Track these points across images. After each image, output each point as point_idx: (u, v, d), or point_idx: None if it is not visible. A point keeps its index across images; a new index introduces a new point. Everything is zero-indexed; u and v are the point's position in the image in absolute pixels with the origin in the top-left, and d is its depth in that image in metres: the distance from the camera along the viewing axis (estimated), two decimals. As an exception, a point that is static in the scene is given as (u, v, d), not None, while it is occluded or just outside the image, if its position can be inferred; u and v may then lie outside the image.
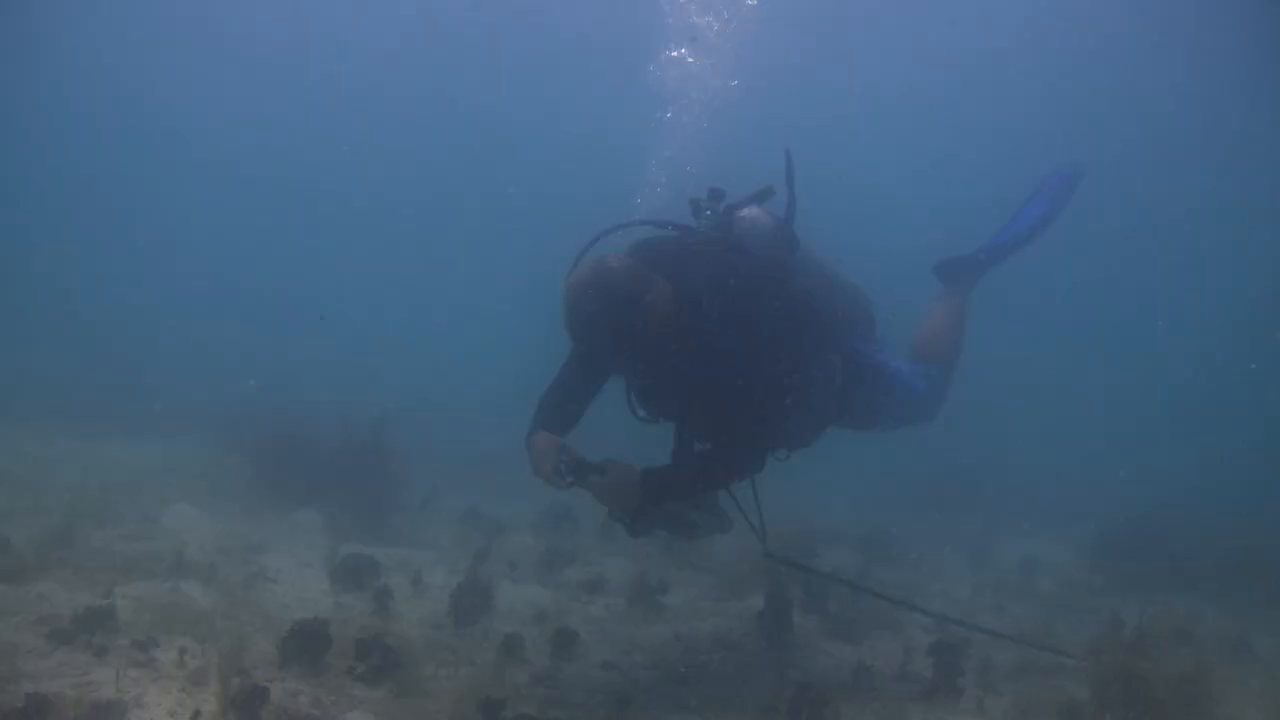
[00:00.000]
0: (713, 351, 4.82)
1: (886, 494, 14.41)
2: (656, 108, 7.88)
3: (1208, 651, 6.26)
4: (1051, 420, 25.04)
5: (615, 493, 4.87)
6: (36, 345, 21.61)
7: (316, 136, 42.03)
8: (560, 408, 5.49)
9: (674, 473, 5.11)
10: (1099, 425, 24.90)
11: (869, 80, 35.01)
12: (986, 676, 5.90)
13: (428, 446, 12.30)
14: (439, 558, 8.61)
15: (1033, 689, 5.71)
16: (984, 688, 5.67)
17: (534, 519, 10.10)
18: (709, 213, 5.34)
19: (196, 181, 42.76)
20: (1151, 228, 34.60)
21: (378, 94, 39.67)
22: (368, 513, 9.97)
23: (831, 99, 34.64)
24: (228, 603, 6.58)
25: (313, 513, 9.52)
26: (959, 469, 15.22)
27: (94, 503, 9.27)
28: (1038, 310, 29.76)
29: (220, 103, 40.85)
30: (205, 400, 16.73)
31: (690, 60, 7.95)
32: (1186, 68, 26.53)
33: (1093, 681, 5.27)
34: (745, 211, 5.31)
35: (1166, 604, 7.57)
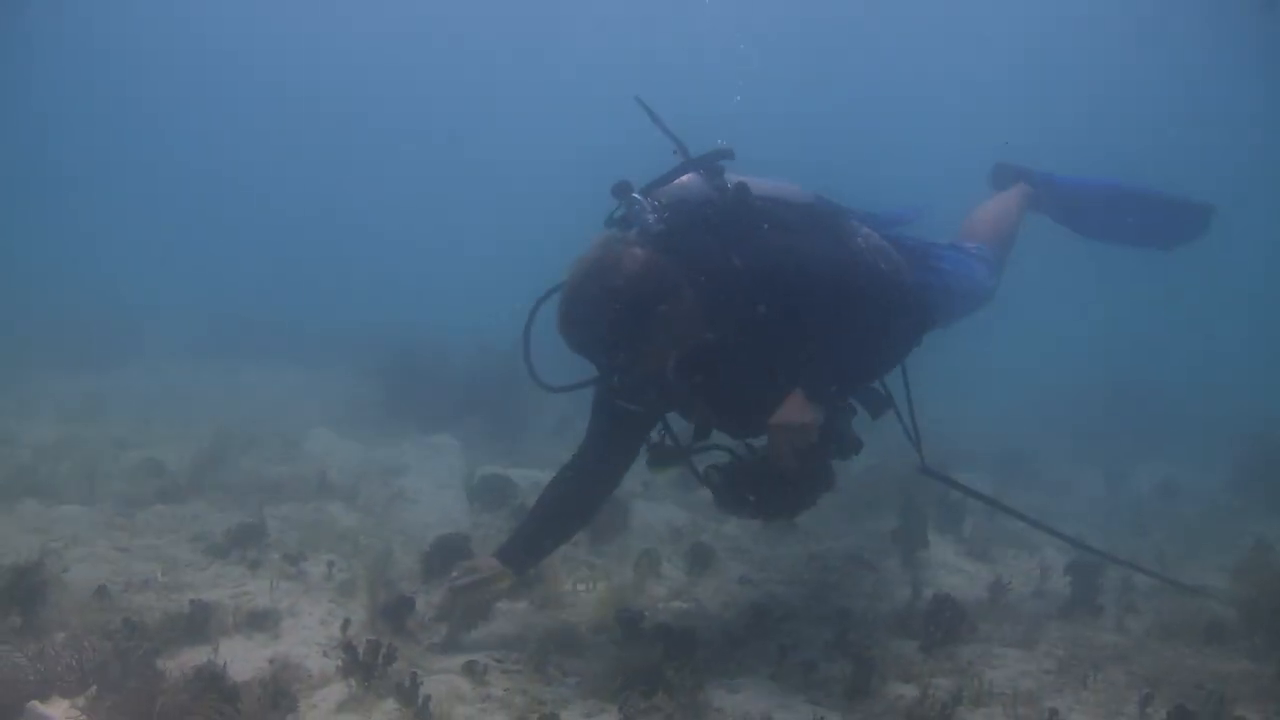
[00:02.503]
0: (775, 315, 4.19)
1: (1024, 416, 14.06)
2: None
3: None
4: (1197, 340, 24.09)
5: (800, 427, 4.02)
6: (173, 281, 22.46)
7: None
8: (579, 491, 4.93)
9: (821, 370, 4.21)
10: (1242, 346, 23.90)
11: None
12: (1126, 595, 5.70)
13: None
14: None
15: (1175, 608, 5.51)
16: (1124, 607, 5.49)
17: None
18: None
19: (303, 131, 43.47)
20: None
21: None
22: (503, 436, 10.12)
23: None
24: (370, 521, 6.75)
25: (448, 437, 9.68)
26: (1099, 391, 14.79)
27: (241, 428, 9.58)
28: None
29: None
30: (338, 330, 17.14)
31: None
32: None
33: (1240, 602, 5.07)
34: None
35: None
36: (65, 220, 35.28)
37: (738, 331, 4.20)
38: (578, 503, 4.93)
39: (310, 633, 4.56)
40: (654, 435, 4.61)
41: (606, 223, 4.38)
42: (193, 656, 4.04)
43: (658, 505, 7.52)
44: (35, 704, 3.26)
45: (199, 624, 4.36)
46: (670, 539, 6.71)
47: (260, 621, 4.55)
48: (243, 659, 4.10)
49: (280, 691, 3.60)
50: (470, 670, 4.04)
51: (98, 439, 9.11)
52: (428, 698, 3.61)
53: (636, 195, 4.29)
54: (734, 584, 5.71)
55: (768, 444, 4.10)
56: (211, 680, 3.54)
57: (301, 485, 7.59)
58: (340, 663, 3.87)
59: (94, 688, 3.44)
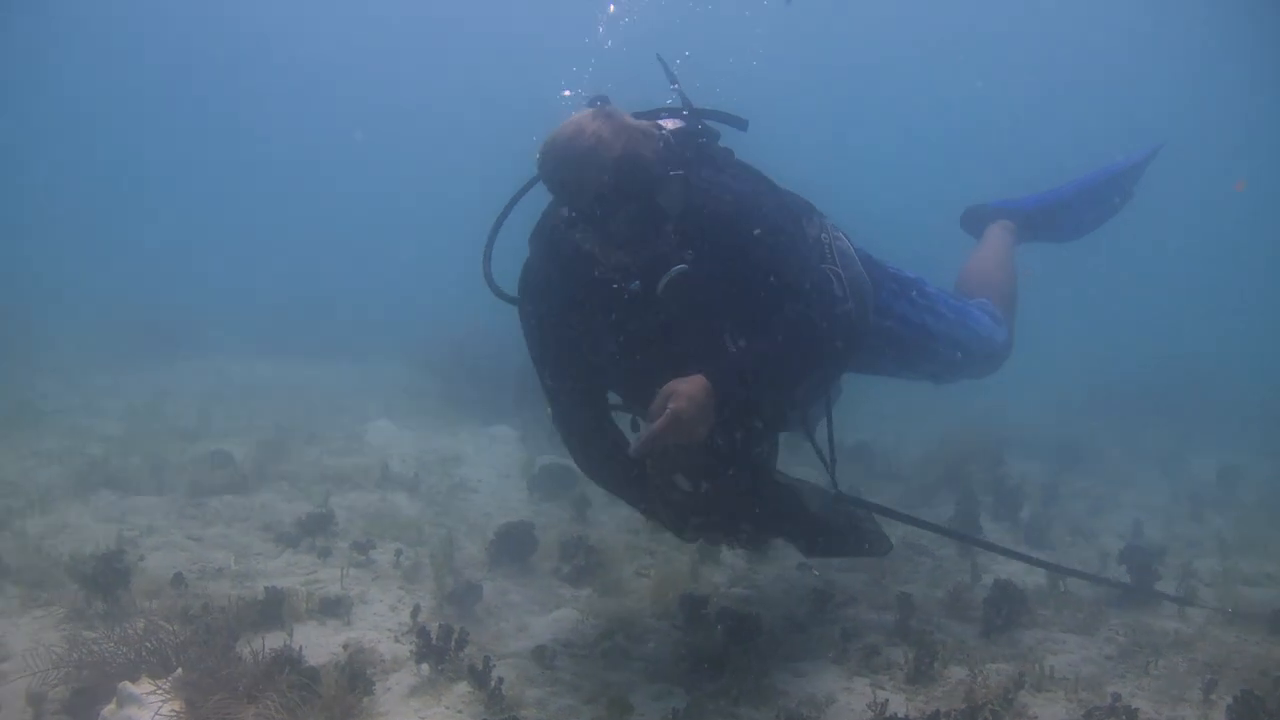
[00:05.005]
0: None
1: (1081, 404, 13.95)
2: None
3: None
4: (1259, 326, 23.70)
5: (689, 412, 3.58)
6: (233, 280, 22.85)
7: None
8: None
9: (739, 365, 3.87)
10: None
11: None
12: (1187, 582, 5.68)
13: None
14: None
15: (1239, 596, 5.48)
16: (1185, 590, 5.48)
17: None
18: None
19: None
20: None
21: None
22: (560, 427, 10.19)
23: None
24: (433, 510, 6.87)
25: (507, 427, 9.80)
26: (1157, 379, 14.62)
27: (304, 421, 9.76)
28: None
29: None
30: (396, 324, 17.34)
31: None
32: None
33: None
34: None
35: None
36: (128, 222, 36.01)
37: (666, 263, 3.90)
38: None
39: (381, 619, 4.67)
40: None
41: None
42: (269, 641, 4.15)
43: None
44: (126, 684, 3.39)
45: (273, 610, 4.49)
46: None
47: (332, 608, 4.67)
48: (317, 644, 4.23)
49: (357, 675, 3.71)
50: (539, 655, 4.13)
51: (165, 432, 9.31)
52: (500, 680, 3.70)
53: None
54: (793, 570, 5.76)
55: (651, 410, 3.64)
56: (289, 663, 3.66)
57: (365, 475, 7.73)
58: (412, 647, 3.97)
59: (178, 669, 3.57)
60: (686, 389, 3.60)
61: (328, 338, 16.51)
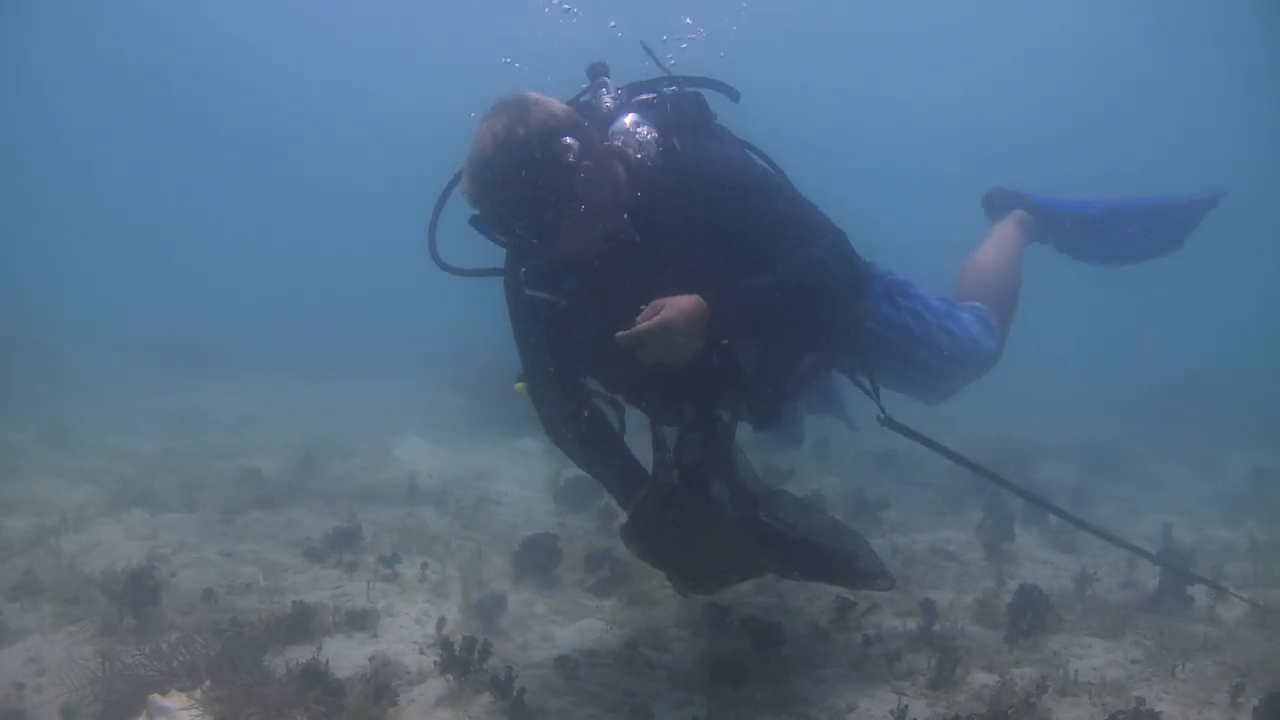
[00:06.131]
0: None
1: (1110, 408, 13.86)
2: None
3: None
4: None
5: (676, 322, 3.42)
6: (264, 303, 23.08)
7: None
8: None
9: (748, 290, 3.67)
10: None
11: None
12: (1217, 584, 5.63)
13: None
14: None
15: (1272, 599, 5.43)
16: (1216, 596, 5.43)
17: (751, 439, 10.16)
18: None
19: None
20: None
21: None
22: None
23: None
24: (460, 524, 6.92)
25: (533, 441, 9.85)
26: (1186, 381, 14.53)
27: (332, 438, 9.86)
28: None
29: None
30: (425, 340, 17.48)
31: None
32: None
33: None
34: None
35: None
36: (160, 244, 36.51)
37: (655, 227, 3.80)
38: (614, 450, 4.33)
39: (407, 631, 4.71)
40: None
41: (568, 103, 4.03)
42: (296, 654, 4.20)
43: (741, 504, 7.58)
44: (156, 696, 3.45)
45: (301, 624, 4.54)
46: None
47: (359, 621, 4.71)
48: (343, 657, 4.27)
49: (381, 687, 3.75)
50: (562, 665, 4.16)
51: (197, 450, 9.44)
52: (522, 690, 3.73)
53: (607, 79, 4.07)
54: (818, 579, 5.76)
55: (638, 319, 3.45)
56: (316, 676, 3.71)
57: (393, 490, 7.80)
58: (437, 659, 4.01)
59: (207, 682, 3.62)
60: (678, 302, 3.46)
61: (357, 355, 16.67)
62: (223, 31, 38.63)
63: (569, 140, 3.60)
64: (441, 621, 4.65)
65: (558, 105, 3.75)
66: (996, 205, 6.07)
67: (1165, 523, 7.24)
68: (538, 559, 5.58)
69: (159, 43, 37.77)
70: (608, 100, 3.99)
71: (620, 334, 3.43)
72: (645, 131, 3.87)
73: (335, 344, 17.80)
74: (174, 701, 3.44)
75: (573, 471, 8.11)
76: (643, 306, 3.50)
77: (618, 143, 3.84)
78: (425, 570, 5.59)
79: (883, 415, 4.22)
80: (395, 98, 41.33)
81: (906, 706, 3.51)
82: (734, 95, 4.23)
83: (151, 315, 18.82)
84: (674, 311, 3.42)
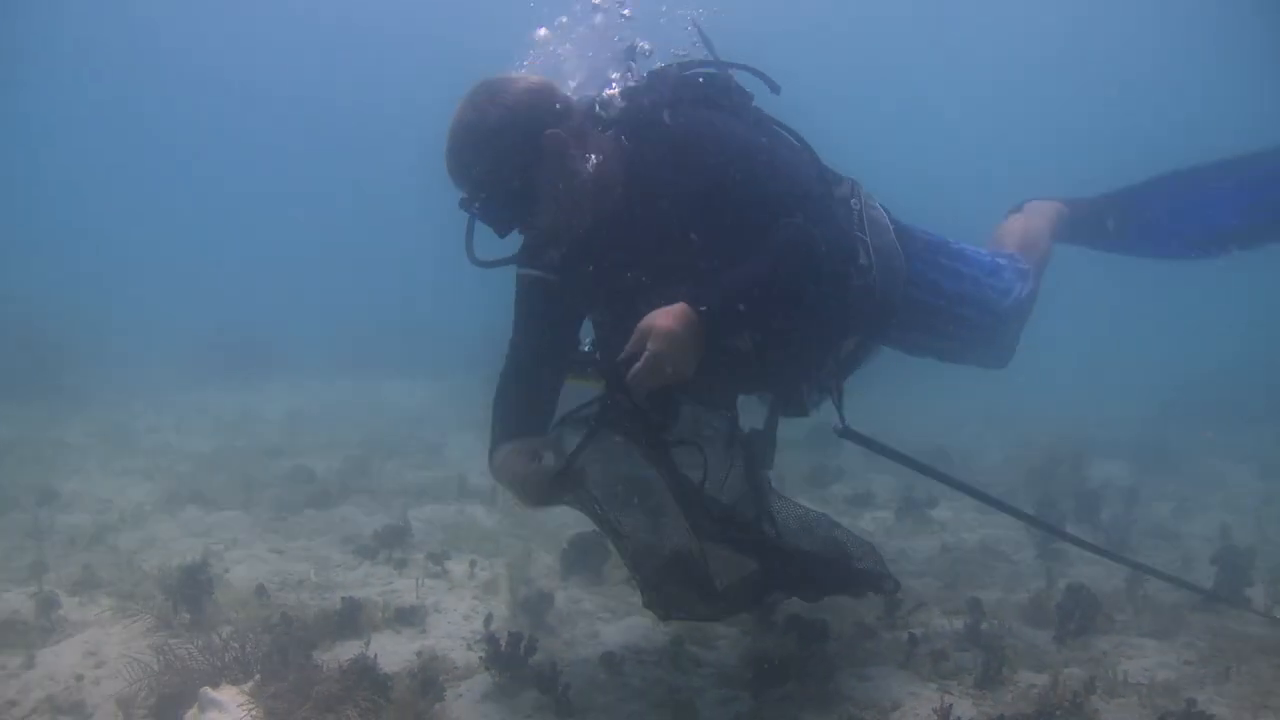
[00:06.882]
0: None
1: (1167, 403, 13.62)
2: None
3: None
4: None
5: (669, 354, 3.21)
6: (313, 303, 23.36)
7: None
8: (524, 400, 4.14)
9: (730, 282, 3.46)
10: None
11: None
12: (1276, 587, 5.52)
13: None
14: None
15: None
16: (1274, 598, 5.32)
17: (799, 438, 10.11)
18: None
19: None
20: None
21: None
22: (636, 436, 10.25)
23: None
24: (510, 522, 6.96)
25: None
26: (1250, 376, 14.24)
27: (383, 436, 9.96)
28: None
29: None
30: (471, 341, 17.58)
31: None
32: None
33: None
34: None
35: None
36: (209, 247, 37.08)
37: (640, 201, 3.68)
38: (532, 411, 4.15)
39: (455, 627, 4.76)
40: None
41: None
42: (346, 650, 4.27)
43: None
44: (207, 689, 3.52)
45: (350, 619, 4.60)
46: (802, 534, 6.75)
47: (408, 617, 4.77)
48: (392, 652, 4.32)
49: (429, 682, 3.79)
50: (608, 661, 4.18)
51: (251, 449, 9.58)
52: (568, 686, 3.76)
53: (633, 61, 3.96)
54: (866, 578, 5.73)
55: (627, 350, 3.28)
56: (364, 671, 3.75)
57: (443, 488, 7.87)
58: (483, 655, 4.04)
59: (258, 676, 3.69)
60: (664, 324, 3.21)
61: (406, 353, 16.82)
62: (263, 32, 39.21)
63: (524, 123, 3.51)
64: (489, 618, 4.69)
65: (522, 85, 3.63)
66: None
67: (1223, 523, 7.11)
68: (586, 556, 5.61)
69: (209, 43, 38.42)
70: (613, 82, 3.89)
71: (630, 396, 3.29)
72: (624, 102, 3.80)
73: (384, 342, 17.99)
74: (225, 695, 3.50)
75: (622, 470, 8.14)
76: (642, 277, 3.50)
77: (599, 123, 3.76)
78: (474, 567, 5.64)
79: (840, 425, 4.02)
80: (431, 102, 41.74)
81: (951, 705, 3.49)
82: (774, 87, 4.10)
83: (203, 318, 19.15)
84: (661, 342, 3.20)
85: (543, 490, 3.71)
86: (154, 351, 16.44)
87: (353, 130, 44.88)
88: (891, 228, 4.34)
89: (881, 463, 4.66)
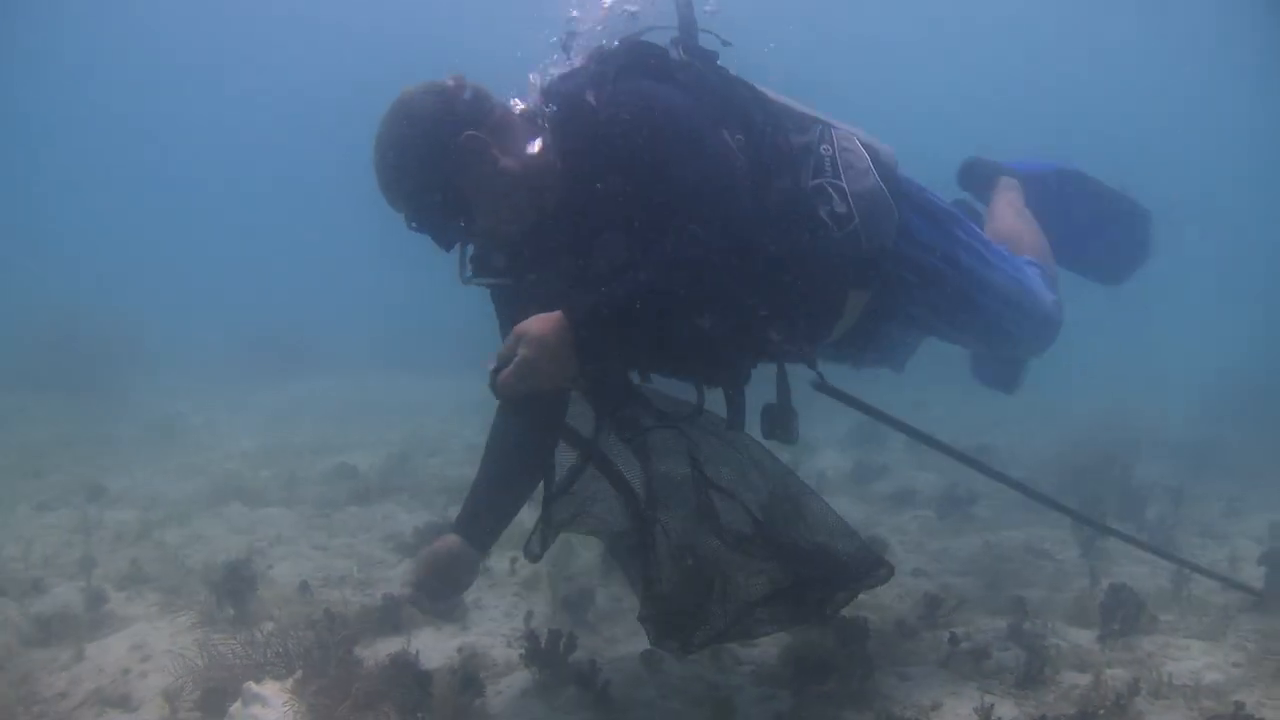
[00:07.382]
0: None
1: (1217, 400, 13.39)
2: None
3: None
4: None
5: (537, 360, 3.07)
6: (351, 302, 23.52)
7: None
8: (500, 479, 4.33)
9: (613, 291, 3.19)
10: None
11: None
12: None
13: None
14: (749, 474, 8.75)
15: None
16: (1324, 598, 5.24)
17: (841, 436, 10.09)
18: None
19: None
20: None
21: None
22: (676, 436, 10.26)
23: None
24: (550, 520, 6.98)
25: (625, 436, 9.87)
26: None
27: (424, 433, 10.02)
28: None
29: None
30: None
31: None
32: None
33: None
34: None
35: None
36: (253, 245, 37.47)
37: (573, 197, 3.47)
38: (524, 451, 4.34)
39: (495, 624, 4.79)
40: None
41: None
42: (387, 646, 4.30)
43: (831, 500, 7.53)
44: (250, 684, 3.56)
45: (392, 616, 4.64)
46: (843, 533, 6.72)
47: (448, 614, 4.79)
48: (433, 648, 4.35)
49: (469, 678, 3.81)
50: (648, 659, 4.18)
51: (294, 446, 9.67)
52: (607, 683, 3.77)
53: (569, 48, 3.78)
54: (907, 575, 5.70)
55: (501, 352, 3.16)
56: (405, 667, 3.78)
57: (484, 486, 7.89)
58: (524, 652, 4.06)
59: (300, 672, 3.73)
60: (537, 330, 3.07)
61: (451, 352, 16.91)
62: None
63: (433, 131, 3.36)
64: (529, 615, 4.71)
65: (426, 93, 3.45)
66: (976, 175, 5.63)
67: (1273, 521, 7.01)
68: (627, 555, 5.60)
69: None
70: (536, 74, 3.70)
71: (494, 388, 3.16)
72: (557, 85, 3.61)
73: (424, 340, 18.08)
74: (268, 690, 3.54)
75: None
76: (600, 274, 3.33)
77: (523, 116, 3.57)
78: (515, 564, 5.65)
79: (818, 380, 3.86)
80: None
81: (992, 705, 3.46)
82: (724, 42, 3.85)
83: (234, 317, 19.39)
84: (532, 348, 3.06)
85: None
86: (194, 350, 16.64)
87: (354, 130, 45.15)
88: (873, 170, 3.94)
89: (926, 459, 4.63)
